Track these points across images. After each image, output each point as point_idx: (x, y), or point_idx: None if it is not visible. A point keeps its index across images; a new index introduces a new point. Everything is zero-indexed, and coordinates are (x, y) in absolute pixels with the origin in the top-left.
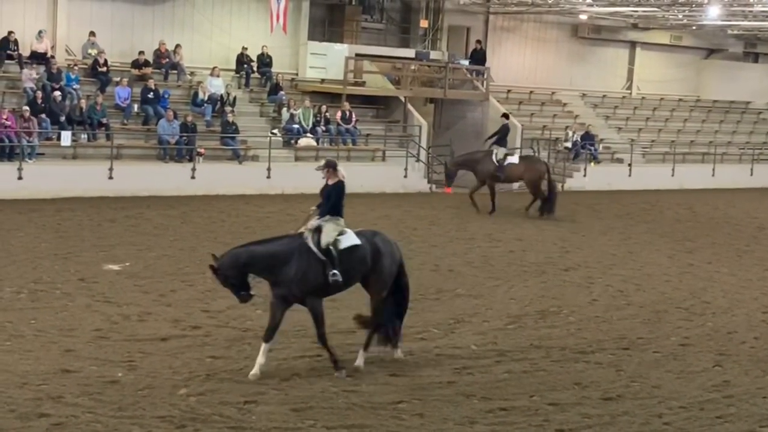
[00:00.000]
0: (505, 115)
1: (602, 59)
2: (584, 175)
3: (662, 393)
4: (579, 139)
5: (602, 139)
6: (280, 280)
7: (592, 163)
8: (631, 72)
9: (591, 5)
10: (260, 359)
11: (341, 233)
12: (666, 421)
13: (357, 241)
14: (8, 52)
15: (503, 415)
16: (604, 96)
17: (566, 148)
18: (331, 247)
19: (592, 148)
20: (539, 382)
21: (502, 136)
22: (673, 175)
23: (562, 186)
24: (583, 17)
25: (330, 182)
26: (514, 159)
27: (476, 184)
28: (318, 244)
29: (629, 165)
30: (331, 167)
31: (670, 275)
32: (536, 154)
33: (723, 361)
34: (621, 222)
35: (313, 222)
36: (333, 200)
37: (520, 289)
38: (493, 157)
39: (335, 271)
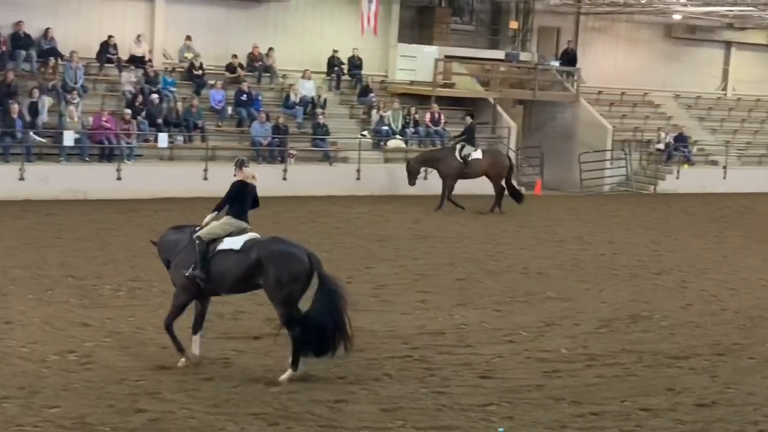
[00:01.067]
0: (471, 114)
1: (696, 60)
2: (677, 178)
3: (758, 400)
4: (672, 141)
5: (696, 140)
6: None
7: (686, 166)
8: (726, 72)
9: (685, 5)
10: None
11: (236, 234)
12: (762, 429)
13: (236, 246)
14: (108, 55)
15: (594, 420)
16: (698, 97)
17: (658, 150)
18: (197, 243)
19: (686, 150)
20: (631, 387)
21: (469, 136)
22: None
23: (654, 188)
24: (677, 17)
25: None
26: (477, 154)
27: (445, 184)
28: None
29: (724, 167)
30: (237, 165)
31: (766, 280)
32: (627, 155)
33: None
34: (715, 225)
35: (209, 218)
36: (225, 197)
37: (611, 292)
38: (457, 153)
39: (193, 267)
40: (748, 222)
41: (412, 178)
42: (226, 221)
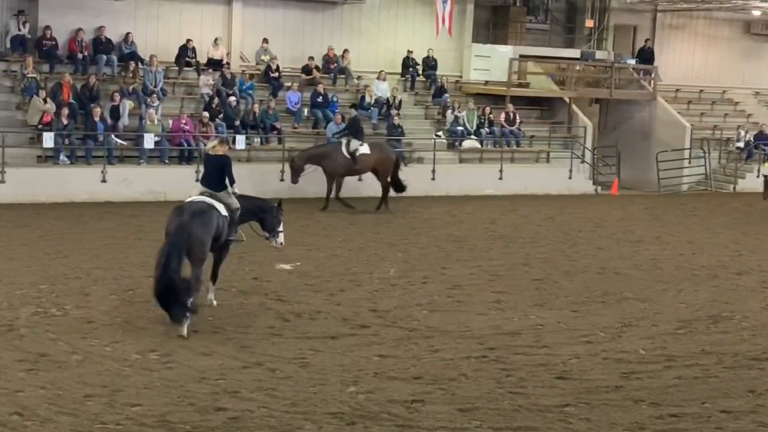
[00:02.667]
0: (353, 106)
1: None
2: (758, 176)
3: None
4: (752, 139)
5: None
6: None
7: (766, 164)
8: None
9: (765, 0)
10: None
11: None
12: None
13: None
14: (186, 59)
15: (674, 422)
16: None
17: (738, 148)
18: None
19: (766, 148)
20: (711, 389)
21: (354, 129)
22: None
23: (734, 187)
24: (756, 13)
25: None
26: (365, 149)
27: (330, 182)
28: None
29: None
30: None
31: None
32: (706, 154)
33: None
34: None
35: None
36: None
37: (690, 293)
38: (344, 148)
39: None
40: None
41: (295, 175)
42: (201, 187)
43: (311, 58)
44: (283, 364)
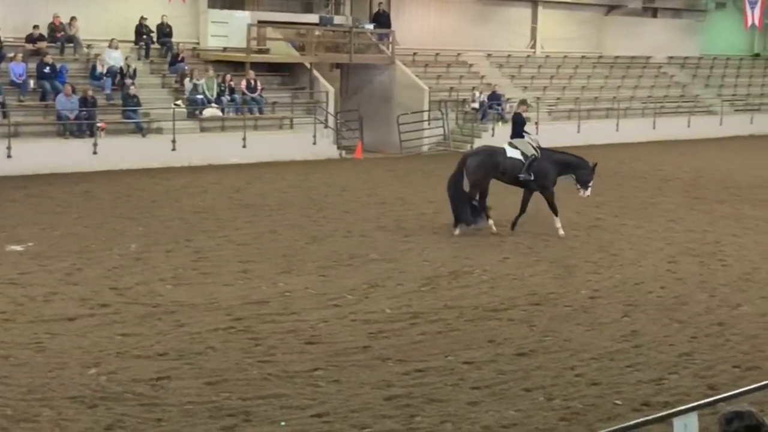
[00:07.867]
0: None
1: (506, 19)
2: (492, 135)
3: (573, 346)
4: (486, 100)
5: (509, 98)
6: None
7: (500, 123)
8: (534, 31)
9: None
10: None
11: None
12: (578, 373)
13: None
14: None
15: (419, 377)
16: (508, 55)
17: (473, 108)
18: None
19: (499, 107)
20: (454, 342)
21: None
22: (578, 132)
23: (471, 146)
24: None
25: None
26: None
27: None
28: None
29: (536, 123)
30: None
31: (579, 230)
32: (444, 115)
33: (631, 311)
34: None
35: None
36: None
37: (433, 251)
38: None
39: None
40: None
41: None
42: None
43: (36, 27)
44: (18, 350)
